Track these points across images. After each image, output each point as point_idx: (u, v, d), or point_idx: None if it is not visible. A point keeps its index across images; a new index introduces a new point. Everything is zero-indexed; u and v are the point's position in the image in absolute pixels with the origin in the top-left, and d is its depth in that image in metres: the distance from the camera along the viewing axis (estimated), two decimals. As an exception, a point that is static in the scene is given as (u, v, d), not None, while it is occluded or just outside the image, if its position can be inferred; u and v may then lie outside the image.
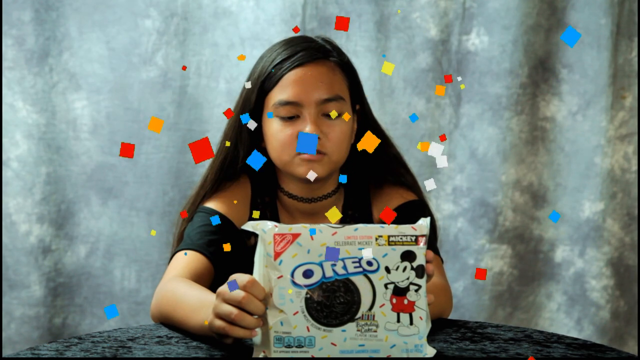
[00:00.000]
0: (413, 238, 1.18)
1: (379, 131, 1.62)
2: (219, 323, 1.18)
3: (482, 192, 2.50)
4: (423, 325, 1.18)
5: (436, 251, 1.59)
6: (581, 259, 2.53)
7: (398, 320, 1.17)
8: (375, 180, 1.64)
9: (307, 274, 1.16)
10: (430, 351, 1.20)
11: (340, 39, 2.41)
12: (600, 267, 2.52)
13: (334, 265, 1.16)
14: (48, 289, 2.44)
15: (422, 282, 1.18)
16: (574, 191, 2.52)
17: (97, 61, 2.40)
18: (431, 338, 1.27)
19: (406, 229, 1.18)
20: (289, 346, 1.16)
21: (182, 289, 1.37)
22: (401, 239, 1.18)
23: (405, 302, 1.17)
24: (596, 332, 2.53)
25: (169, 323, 1.36)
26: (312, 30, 2.40)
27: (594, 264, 2.53)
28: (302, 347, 1.16)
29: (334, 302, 1.16)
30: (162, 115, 2.43)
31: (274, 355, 1.16)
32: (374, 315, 1.17)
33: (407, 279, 1.17)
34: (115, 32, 2.40)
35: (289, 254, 1.16)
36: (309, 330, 1.16)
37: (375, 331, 1.17)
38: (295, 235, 1.17)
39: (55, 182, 2.43)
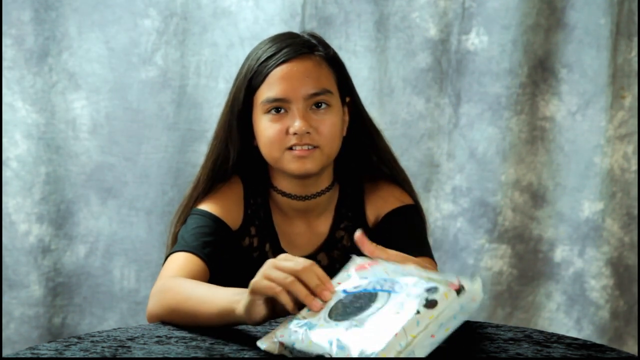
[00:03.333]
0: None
1: (370, 123, 1.63)
2: (267, 283, 1.17)
3: (482, 192, 2.50)
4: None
5: (427, 248, 1.59)
6: (580, 259, 2.53)
7: None
8: (369, 174, 1.64)
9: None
10: None
11: (339, 39, 2.41)
12: (600, 266, 2.52)
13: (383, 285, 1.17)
14: (47, 288, 2.44)
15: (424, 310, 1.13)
16: (574, 191, 2.52)
17: (97, 61, 2.40)
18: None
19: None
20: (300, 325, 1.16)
21: (189, 284, 1.39)
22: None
23: None
24: (596, 332, 2.53)
25: (174, 317, 1.35)
26: (312, 30, 2.40)
27: (593, 264, 2.53)
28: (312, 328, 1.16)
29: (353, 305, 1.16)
30: (162, 115, 2.43)
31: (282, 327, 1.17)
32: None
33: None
34: (114, 32, 2.40)
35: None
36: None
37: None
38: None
39: (54, 182, 2.43)
